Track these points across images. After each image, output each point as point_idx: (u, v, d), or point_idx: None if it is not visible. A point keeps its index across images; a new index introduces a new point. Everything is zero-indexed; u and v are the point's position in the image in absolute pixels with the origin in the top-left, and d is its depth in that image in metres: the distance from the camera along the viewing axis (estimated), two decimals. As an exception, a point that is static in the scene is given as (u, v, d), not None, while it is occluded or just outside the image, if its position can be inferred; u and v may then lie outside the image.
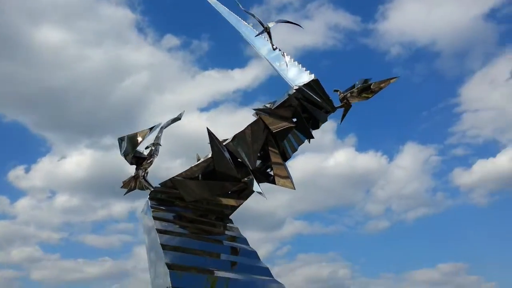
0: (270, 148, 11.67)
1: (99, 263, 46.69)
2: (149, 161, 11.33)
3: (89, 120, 49.04)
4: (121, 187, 11.48)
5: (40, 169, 50.11)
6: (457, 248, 44.00)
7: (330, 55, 52.19)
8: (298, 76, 12.61)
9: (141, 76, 53.24)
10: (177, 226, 10.51)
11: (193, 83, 54.67)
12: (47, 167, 50.19)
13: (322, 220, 50.96)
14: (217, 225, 11.35)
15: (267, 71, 51.48)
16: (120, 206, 48.66)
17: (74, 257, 48.06)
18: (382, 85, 12.20)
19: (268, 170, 11.88)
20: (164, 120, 12.38)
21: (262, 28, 13.65)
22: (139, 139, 11.29)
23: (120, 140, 11.32)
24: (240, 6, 14.73)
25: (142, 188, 11.35)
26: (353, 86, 12.38)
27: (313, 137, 12.30)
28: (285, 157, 11.99)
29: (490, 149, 51.59)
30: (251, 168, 11.26)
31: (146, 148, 11.46)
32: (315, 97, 11.98)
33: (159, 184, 11.21)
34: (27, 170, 50.16)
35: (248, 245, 10.87)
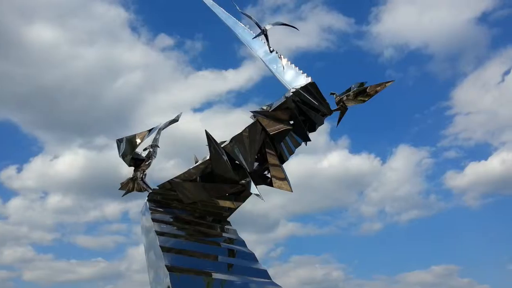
0: (267, 150, 11.74)
1: (92, 264, 46.59)
2: (147, 162, 11.36)
3: (82, 120, 48.97)
4: (119, 188, 11.49)
5: (32, 169, 50.04)
6: (450, 250, 44.63)
7: (323, 57, 52.65)
8: (295, 78, 12.73)
9: (134, 75, 53.26)
10: (176, 228, 10.55)
11: (186, 83, 54.82)
12: (39, 167, 50.10)
13: (315, 221, 51.37)
14: (215, 227, 11.38)
15: (261, 72, 51.69)
16: (113, 207, 48.65)
17: (67, 258, 48.02)
18: (378, 88, 12.34)
19: (266, 172, 11.94)
20: (159, 119, 12.45)
21: (259, 30, 13.79)
22: (138, 140, 11.31)
23: (119, 141, 11.33)
24: (237, 8, 14.83)
25: (140, 189, 11.37)
26: (349, 89, 12.51)
27: (310, 140, 12.39)
28: (283, 160, 12.06)
29: (482, 152, 52.43)
30: (248, 170, 11.31)
31: (144, 149, 11.49)
32: (312, 100, 12.08)
33: (157, 186, 11.24)
34: (19, 170, 50.06)
35: (246, 247, 10.92)
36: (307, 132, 12.31)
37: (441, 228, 47.48)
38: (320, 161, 49.09)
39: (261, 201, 12.05)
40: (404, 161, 51.16)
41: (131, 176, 11.39)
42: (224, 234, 11.29)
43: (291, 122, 12.07)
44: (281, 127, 11.79)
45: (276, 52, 13.72)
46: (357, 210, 49.67)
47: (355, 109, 12.53)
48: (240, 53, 55.64)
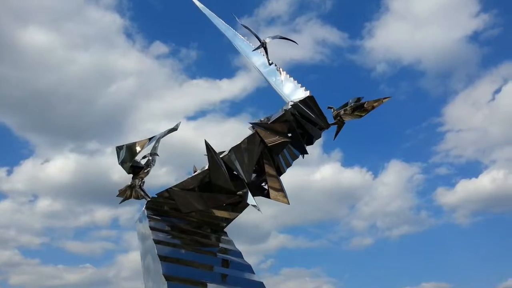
0: (265, 162, 11.85)
1: (79, 270, 46.02)
2: (145, 170, 11.39)
3: (74, 124, 48.69)
4: (117, 195, 11.50)
5: (22, 172, 49.42)
6: (440, 267, 44.74)
7: (317, 70, 53.08)
8: (293, 92, 12.92)
9: (128, 82, 53.19)
10: (173, 237, 10.57)
11: (180, 91, 54.86)
12: (29, 170, 49.51)
13: (306, 234, 51.35)
14: (212, 238, 11.41)
15: (255, 83, 52.01)
16: (103, 213, 48.27)
17: (54, 263, 47.30)
18: (375, 104, 12.59)
19: (263, 184, 12.03)
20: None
21: (258, 42, 13.98)
22: (138, 148, 11.35)
23: (118, 148, 11.37)
24: (237, 20, 15.03)
25: (137, 197, 11.39)
26: (347, 104, 12.73)
27: (307, 153, 12.54)
28: (280, 172, 12.18)
29: (472, 169, 52.97)
30: (246, 181, 11.39)
31: (143, 157, 11.53)
32: (310, 113, 12.27)
33: (156, 194, 11.27)
34: (9, 173, 49.41)
35: (243, 258, 10.96)
36: (305, 145, 12.48)
37: (432, 244, 47.70)
38: (313, 173, 49.20)
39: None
40: (396, 176, 51.53)
41: (129, 183, 11.41)
42: (220, 245, 11.31)
43: (289, 134, 12.23)
44: (279, 139, 11.92)
45: (275, 65, 13.92)
46: (348, 224, 49.73)
47: (348, 123, 12.75)
48: (235, 63, 55.96)
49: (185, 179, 11.28)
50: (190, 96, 54.05)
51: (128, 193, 11.41)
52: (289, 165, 12.39)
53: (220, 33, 15.63)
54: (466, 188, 48.81)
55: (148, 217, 10.62)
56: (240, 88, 54.60)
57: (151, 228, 10.20)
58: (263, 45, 13.64)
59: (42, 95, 47.53)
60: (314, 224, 49.83)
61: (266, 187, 12.00)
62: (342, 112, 12.66)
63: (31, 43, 47.46)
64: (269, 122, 12.09)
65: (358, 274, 46.87)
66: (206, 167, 11.30)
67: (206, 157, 11.08)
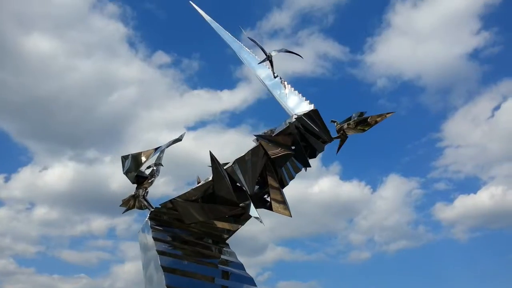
0: (268, 174, 11.90)
1: (74, 280, 45.65)
2: (150, 180, 11.44)
3: (74, 132, 48.70)
4: (120, 205, 11.52)
5: (20, 179, 49.21)
6: (438, 282, 44.44)
7: (318, 83, 53.33)
8: (298, 105, 13.00)
9: (130, 91, 53.38)
10: (176, 247, 10.58)
11: (181, 101, 55.01)
12: (27, 177, 49.33)
13: (304, 247, 51.11)
14: (214, 249, 11.43)
15: (256, 94, 52.22)
16: (100, 222, 48.03)
17: (49, 273, 47.07)
18: (378, 119, 12.67)
19: (266, 196, 12.06)
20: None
21: (263, 54, 14.12)
22: (143, 158, 11.41)
23: (124, 158, 11.42)
24: (244, 33, 15.19)
25: (141, 207, 11.41)
26: (350, 118, 12.80)
27: (310, 166, 12.60)
28: (283, 184, 12.23)
29: (471, 185, 52.92)
30: (249, 193, 11.42)
31: (148, 168, 11.57)
32: (313, 126, 12.35)
33: (160, 204, 11.29)
34: (6, 180, 49.19)
35: (244, 270, 10.99)
36: (308, 158, 12.54)
37: (430, 259, 47.48)
38: (311, 186, 49.14)
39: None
40: (394, 190, 51.53)
41: (133, 193, 11.44)
42: (222, 256, 11.33)
43: (293, 147, 12.30)
44: (282, 151, 11.99)
45: (280, 78, 14.03)
46: (346, 237, 49.60)
47: (348, 136, 12.80)
48: (236, 74, 56.26)
49: (183, 189, 11.35)
50: (190, 106, 54.28)
51: (132, 203, 11.43)
52: (292, 177, 12.44)
53: (223, 44, 15.83)
54: (465, 203, 48.88)
55: (151, 227, 10.63)
56: (240, 99, 54.83)
57: (155, 239, 10.21)
58: (269, 58, 13.76)
59: (43, 102, 47.70)
60: (311, 237, 49.73)
61: (268, 199, 12.04)
62: (345, 126, 12.71)
63: (34, 49, 47.78)
64: (273, 135, 12.16)
65: (356, 287, 46.62)
66: (210, 178, 11.34)
67: (207, 167, 11.16)
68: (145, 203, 11.36)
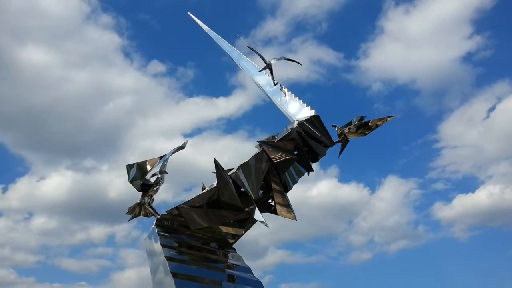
0: (272, 179, 12.03)
1: (75, 289, 45.30)
2: (155, 188, 11.52)
3: (70, 142, 48.69)
4: (126, 213, 11.58)
5: (18, 189, 49.01)
6: (438, 281, 44.45)
7: (313, 89, 53.61)
8: (299, 111, 13.22)
9: (125, 100, 53.47)
10: (184, 253, 10.68)
11: (177, 109, 55.16)
12: (25, 187, 49.15)
13: (304, 249, 50.94)
14: (221, 254, 11.50)
15: (252, 101, 52.49)
16: (98, 230, 47.85)
17: (49, 281, 46.57)
18: (379, 122, 12.88)
19: (270, 200, 12.19)
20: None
21: (262, 63, 14.35)
22: (148, 167, 11.52)
23: (129, 166, 11.53)
24: (244, 42, 15.45)
25: (146, 215, 11.49)
26: (350, 123, 13.01)
27: (312, 170, 12.77)
28: (286, 189, 12.36)
29: (469, 184, 53.18)
30: (253, 198, 11.53)
31: (153, 175, 11.66)
32: (315, 131, 12.55)
33: (166, 211, 11.37)
34: (4, 190, 49.02)
35: (252, 273, 11.04)
36: (310, 162, 12.70)
37: (430, 258, 47.57)
38: (310, 189, 49.24)
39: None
40: (393, 191, 51.73)
41: (139, 201, 11.51)
42: (229, 261, 11.39)
43: (295, 152, 12.46)
44: (285, 155, 12.14)
45: (280, 85, 14.24)
46: (346, 239, 49.66)
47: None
48: (232, 81, 56.58)
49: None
50: (187, 114, 54.47)
51: (137, 211, 11.50)
52: (295, 182, 12.58)
53: (218, 52, 16.11)
54: (463, 203, 49.19)
55: (158, 234, 10.70)
56: (236, 106, 54.99)
57: (162, 245, 10.30)
58: (269, 66, 13.99)
59: (39, 113, 47.55)
60: (312, 240, 49.71)
61: (273, 203, 12.16)
62: (346, 130, 12.92)
63: (29, 61, 47.84)
64: (275, 141, 12.33)
65: (357, 289, 46.58)
66: (215, 185, 11.45)
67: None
68: (151, 210, 11.43)
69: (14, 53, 47.19)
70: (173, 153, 12.26)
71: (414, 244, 48.91)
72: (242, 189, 11.57)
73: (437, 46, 54.91)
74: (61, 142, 48.63)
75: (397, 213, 51.37)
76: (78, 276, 47.78)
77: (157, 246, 10.44)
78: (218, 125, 54.33)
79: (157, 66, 56.07)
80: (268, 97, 14.65)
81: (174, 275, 9.37)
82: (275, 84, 14.28)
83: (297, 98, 13.60)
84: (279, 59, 14.34)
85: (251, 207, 11.39)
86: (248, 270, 11.15)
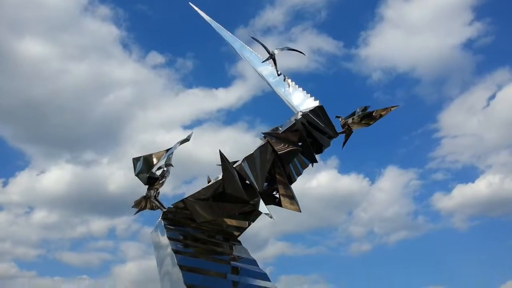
0: (276, 171, 12.04)
1: (76, 282, 45.53)
2: (161, 181, 11.54)
3: (70, 134, 48.58)
4: (132, 206, 11.61)
5: (18, 183, 48.99)
6: (439, 272, 44.76)
7: (313, 78, 53.31)
8: (303, 102, 13.17)
9: (124, 92, 53.23)
10: (190, 246, 10.78)
11: (176, 100, 54.94)
12: (25, 181, 49.13)
13: (304, 241, 51.11)
14: (227, 246, 11.58)
15: (251, 91, 52.29)
16: (99, 223, 48.00)
17: (51, 275, 46.69)
18: (383, 112, 12.85)
19: (274, 192, 12.21)
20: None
21: (265, 53, 14.26)
22: (155, 160, 11.53)
23: (135, 160, 11.54)
24: (247, 32, 15.35)
25: (152, 208, 11.52)
26: (354, 113, 12.98)
27: (316, 161, 12.78)
28: (291, 181, 12.38)
29: (469, 174, 53.20)
30: (258, 190, 11.55)
31: (158, 168, 11.66)
32: (319, 122, 12.52)
33: (172, 204, 11.40)
34: (4, 184, 49.00)
35: (257, 266, 11.13)
36: (314, 154, 12.70)
37: (430, 249, 47.76)
38: (309, 180, 49.23)
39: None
40: (393, 182, 51.75)
41: (145, 194, 11.54)
42: (235, 253, 11.48)
43: (299, 143, 12.45)
44: (289, 147, 12.13)
45: (284, 76, 14.17)
46: (346, 230, 49.82)
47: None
48: (231, 72, 56.27)
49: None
50: (186, 106, 54.22)
51: (143, 204, 11.53)
52: (299, 173, 12.60)
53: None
54: (463, 193, 49.22)
55: (165, 227, 10.75)
56: (236, 97, 54.76)
57: (170, 239, 10.36)
58: (272, 57, 13.90)
59: (37, 106, 47.30)
60: (312, 231, 49.83)
61: (277, 195, 12.19)
62: (350, 121, 12.89)
63: (27, 53, 47.48)
64: (280, 132, 12.31)
65: (357, 279, 46.84)
66: (220, 177, 11.46)
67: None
68: (157, 203, 11.47)
69: (12, 45, 46.83)
70: (178, 145, 12.24)
71: (414, 234, 49.19)
72: (247, 181, 11.60)
73: (437, 33, 54.54)
74: (60, 135, 48.58)
75: (397, 203, 51.57)
76: (79, 269, 48.01)
77: (164, 239, 10.51)
78: (218, 117, 54.18)
79: (156, 57, 55.70)
80: (272, 88, 14.57)
81: (182, 267, 9.45)
82: (278, 75, 14.21)
83: (300, 88, 13.55)
84: (282, 49, 14.25)
85: (256, 199, 11.42)
86: (253, 262, 11.23)
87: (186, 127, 50.51)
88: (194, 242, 11.06)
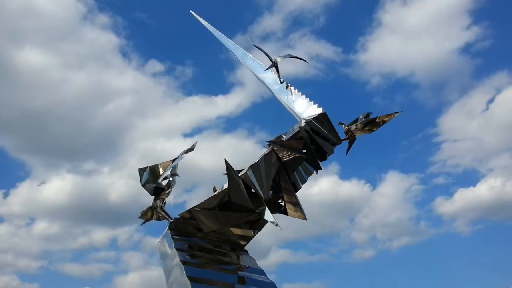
0: (281, 179, 12.05)
1: (79, 293, 45.36)
2: (167, 191, 11.54)
3: (70, 144, 48.62)
4: (139, 217, 11.62)
5: (19, 194, 48.93)
6: (442, 276, 44.65)
7: (311, 84, 53.50)
8: (306, 109, 13.20)
9: (124, 100, 53.36)
10: (198, 257, 10.72)
11: (176, 108, 55.08)
12: (26, 192, 49.04)
13: (307, 248, 51.06)
14: (234, 256, 11.54)
15: (250, 98, 52.44)
16: (101, 234, 47.92)
17: (53, 287, 46.59)
18: (386, 119, 12.89)
19: (280, 201, 12.20)
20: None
21: (269, 61, 14.30)
22: (161, 170, 11.53)
23: (142, 170, 11.53)
24: (250, 40, 15.36)
25: (159, 218, 11.51)
26: (357, 120, 13.02)
27: (321, 169, 12.79)
28: (296, 188, 12.37)
29: (470, 178, 53.30)
30: (264, 198, 11.55)
31: (164, 179, 11.66)
32: (322, 129, 12.55)
33: (178, 215, 11.38)
34: (5, 195, 48.97)
35: (266, 275, 11.11)
36: (319, 161, 12.71)
37: (433, 254, 47.68)
38: (311, 187, 49.09)
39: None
40: (394, 187, 51.92)
41: (151, 205, 11.53)
42: (242, 263, 11.44)
43: (304, 151, 12.47)
44: (294, 154, 12.14)
45: (287, 83, 14.21)
46: (348, 236, 49.80)
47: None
48: (230, 79, 56.48)
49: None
50: (186, 113, 54.41)
51: (149, 215, 11.53)
52: (304, 181, 12.60)
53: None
54: (465, 197, 49.33)
55: (172, 237, 10.73)
56: (235, 104, 55.01)
57: (177, 249, 10.33)
58: (275, 64, 13.95)
59: (37, 116, 47.46)
60: (314, 238, 49.80)
61: (282, 203, 12.18)
62: (353, 127, 12.93)
63: (27, 63, 47.60)
64: (284, 140, 12.32)
65: (360, 286, 46.79)
66: (225, 186, 11.45)
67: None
68: (163, 213, 11.46)
69: (12, 55, 46.98)
70: (183, 155, 12.25)
71: (416, 240, 49.25)
72: (252, 190, 11.60)
73: (435, 37, 54.93)
74: (61, 145, 48.61)
75: (398, 209, 51.67)
76: (81, 280, 47.91)
77: (171, 249, 10.50)
78: (217, 124, 54.35)
79: (155, 65, 56.01)
80: (274, 95, 14.60)
81: (190, 279, 9.44)
82: (281, 82, 14.25)
83: (303, 96, 13.58)
84: (285, 57, 14.31)
85: (261, 208, 11.41)
86: (261, 272, 11.21)
87: (186, 135, 50.64)
88: (201, 252, 11.02)
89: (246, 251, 11.89)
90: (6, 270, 45.49)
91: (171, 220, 11.34)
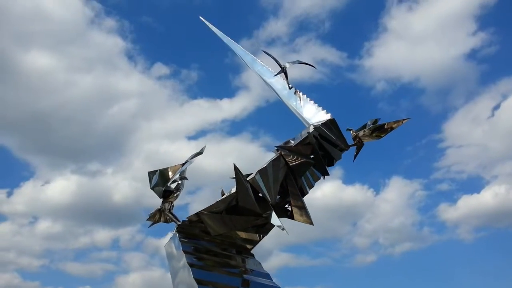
0: (289, 184, 12.11)
1: (80, 292, 45.50)
2: (175, 194, 11.63)
3: (75, 145, 48.72)
4: (147, 219, 11.72)
5: (22, 193, 49.09)
6: (444, 283, 44.34)
7: (317, 89, 53.41)
8: (315, 115, 13.26)
9: (130, 103, 53.52)
10: (204, 259, 10.83)
11: (181, 111, 55.17)
12: (30, 191, 49.25)
13: (309, 252, 50.78)
14: (240, 259, 11.61)
15: (255, 102, 52.51)
16: (103, 234, 48.00)
17: (54, 285, 46.88)
18: (395, 125, 12.94)
19: (287, 205, 12.26)
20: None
21: (278, 67, 14.39)
22: (170, 173, 11.62)
23: (151, 173, 11.64)
24: (258, 45, 15.48)
25: (166, 221, 11.60)
26: (365, 126, 13.08)
27: (328, 174, 12.84)
28: (303, 193, 12.43)
29: (474, 185, 52.73)
30: (271, 203, 11.60)
31: (173, 182, 11.75)
32: (330, 135, 12.61)
33: (186, 218, 11.47)
34: (9, 194, 49.11)
35: (271, 279, 11.16)
36: (326, 166, 12.77)
37: (436, 260, 47.42)
38: (314, 191, 48.66)
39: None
40: (397, 193, 51.50)
41: (159, 207, 11.62)
42: (248, 267, 11.50)
43: (312, 156, 12.53)
44: (302, 159, 12.20)
45: (295, 89, 14.28)
46: (350, 241, 49.54)
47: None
48: (235, 83, 56.56)
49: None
50: (191, 116, 54.39)
51: (157, 217, 11.62)
52: (311, 186, 12.66)
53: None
54: (468, 203, 48.87)
55: (180, 240, 10.81)
56: (240, 107, 54.86)
57: (185, 252, 10.42)
58: (284, 70, 14.04)
59: (43, 117, 47.61)
60: (316, 242, 49.53)
61: (289, 208, 12.23)
62: (361, 133, 12.99)
63: (33, 66, 47.86)
64: (292, 145, 12.39)
65: (362, 291, 46.56)
66: (233, 190, 11.52)
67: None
68: (171, 216, 11.54)
69: (19, 58, 47.25)
70: (192, 158, 12.34)
71: (419, 246, 48.74)
72: (260, 194, 11.66)
73: (441, 43, 54.70)
74: (66, 146, 48.74)
75: (401, 214, 51.24)
76: (83, 280, 47.95)
77: (177, 251, 10.62)
78: (222, 127, 54.29)
79: (161, 68, 56.03)
80: (283, 101, 14.67)
81: (197, 281, 9.55)
82: (290, 88, 14.33)
83: (312, 101, 13.65)
84: (294, 62, 14.40)
85: (268, 212, 11.47)
86: (266, 275, 11.27)
87: (190, 138, 50.71)
88: (208, 255, 11.11)
89: (252, 255, 11.96)
90: (8, 268, 45.61)
91: (179, 223, 11.43)
